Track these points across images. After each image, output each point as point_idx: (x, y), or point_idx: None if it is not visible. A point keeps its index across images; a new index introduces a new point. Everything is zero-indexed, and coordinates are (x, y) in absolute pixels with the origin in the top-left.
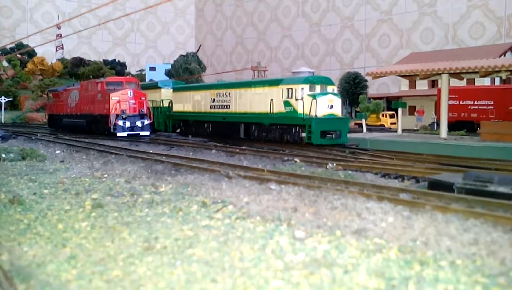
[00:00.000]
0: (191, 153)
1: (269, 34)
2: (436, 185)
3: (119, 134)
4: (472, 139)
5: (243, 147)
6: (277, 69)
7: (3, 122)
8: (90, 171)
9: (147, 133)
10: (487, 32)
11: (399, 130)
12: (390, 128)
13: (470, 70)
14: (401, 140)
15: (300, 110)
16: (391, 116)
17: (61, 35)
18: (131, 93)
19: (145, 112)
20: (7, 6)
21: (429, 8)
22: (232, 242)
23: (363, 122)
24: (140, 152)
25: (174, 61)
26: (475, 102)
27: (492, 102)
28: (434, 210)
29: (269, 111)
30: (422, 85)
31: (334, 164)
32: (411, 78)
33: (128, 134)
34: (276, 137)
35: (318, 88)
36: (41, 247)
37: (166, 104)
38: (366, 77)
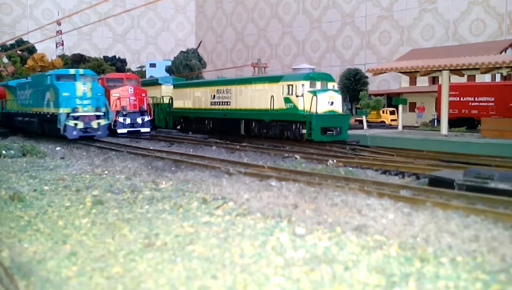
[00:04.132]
0: (191, 150)
1: (269, 31)
2: (436, 182)
3: (119, 131)
4: (472, 135)
5: (244, 144)
6: (278, 66)
7: None
8: (90, 168)
9: (148, 129)
10: (488, 29)
11: (400, 127)
12: (391, 124)
13: (471, 67)
14: (401, 137)
15: (300, 107)
16: (392, 113)
17: (61, 32)
18: (132, 90)
19: (146, 109)
20: (7, 3)
21: (430, 5)
22: (232, 239)
23: (364, 118)
24: (141, 149)
25: (175, 57)
26: (476, 99)
27: (493, 99)
28: (434, 207)
29: (269, 107)
30: (422, 82)
31: (335, 161)
32: (412, 74)
33: (128, 131)
34: (277, 134)
35: (318, 85)
36: (41, 244)
37: (166, 100)
38: (367, 74)
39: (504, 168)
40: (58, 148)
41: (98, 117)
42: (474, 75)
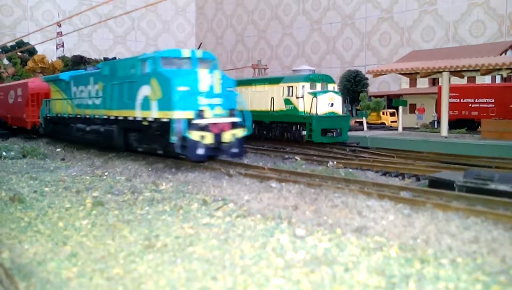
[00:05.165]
0: None
1: (269, 32)
2: (436, 183)
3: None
4: (472, 137)
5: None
6: (278, 67)
7: None
8: (90, 169)
9: None
10: (488, 30)
11: (400, 128)
12: (391, 126)
13: (471, 68)
14: (401, 138)
15: (300, 108)
16: (392, 114)
17: (61, 33)
18: None
19: None
20: (8, 4)
21: (430, 6)
22: (232, 240)
23: (364, 120)
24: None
25: None
26: (476, 100)
27: (493, 100)
28: (434, 208)
29: (269, 109)
30: (422, 83)
31: (335, 162)
32: (412, 76)
33: None
34: (277, 135)
35: (318, 86)
36: (41, 245)
37: None
38: (367, 75)
39: (504, 170)
40: (58, 149)
41: (233, 125)
42: (474, 77)
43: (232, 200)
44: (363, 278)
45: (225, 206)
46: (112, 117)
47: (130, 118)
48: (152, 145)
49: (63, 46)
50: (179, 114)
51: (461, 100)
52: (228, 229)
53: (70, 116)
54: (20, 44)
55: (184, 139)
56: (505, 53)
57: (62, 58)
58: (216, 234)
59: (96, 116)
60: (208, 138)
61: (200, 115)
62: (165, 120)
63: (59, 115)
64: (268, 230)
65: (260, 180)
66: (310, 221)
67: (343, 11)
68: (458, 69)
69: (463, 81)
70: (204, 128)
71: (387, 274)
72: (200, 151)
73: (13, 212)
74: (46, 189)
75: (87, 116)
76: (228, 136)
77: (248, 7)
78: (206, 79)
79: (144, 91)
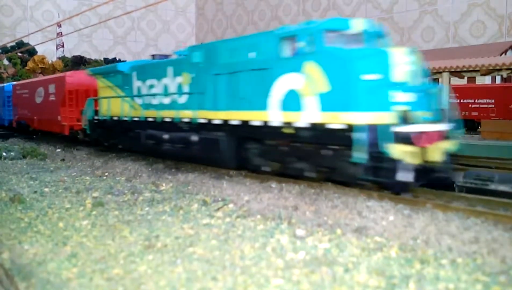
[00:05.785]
0: None
1: None
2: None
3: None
4: (472, 137)
5: None
6: None
7: None
8: (91, 170)
9: None
10: (488, 31)
11: None
12: None
13: (471, 69)
14: None
15: None
16: None
17: (61, 34)
18: None
19: None
20: (8, 4)
21: (430, 7)
22: (232, 241)
23: None
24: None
25: None
26: (476, 101)
27: (493, 101)
28: (434, 209)
29: None
30: None
31: None
32: None
33: None
34: None
35: None
36: (41, 246)
37: None
38: None
39: (504, 170)
40: (58, 150)
41: (445, 134)
42: (474, 77)
43: (232, 201)
44: (363, 279)
45: (225, 207)
46: (216, 122)
47: (255, 123)
48: (295, 164)
49: (63, 46)
50: (370, 117)
51: (461, 101)
52: (228, 229)
53: (135, 119)
54: (20, 44)
55: (378, 157)
56: (505, 54)
57: (62, 59)
58: (216, 234)
59: (184, 120)
60: (416, 155)
61: (406, 118)
62: (335, 126)
63: (114, 118)
64: (268, 231)
65: (260, 181)
66: (310, 221)
67: (343, 11)
68: (458, 69)
69: (463, 82)
70: (408, 139)
71: (387, 275)
72: (406, 176)
73: (13, 212)
74: (46, 189)
75: (166, 120)
76: (438, 152)
77: (248, 8)
78: (403, 63)
79: (287, 82)
